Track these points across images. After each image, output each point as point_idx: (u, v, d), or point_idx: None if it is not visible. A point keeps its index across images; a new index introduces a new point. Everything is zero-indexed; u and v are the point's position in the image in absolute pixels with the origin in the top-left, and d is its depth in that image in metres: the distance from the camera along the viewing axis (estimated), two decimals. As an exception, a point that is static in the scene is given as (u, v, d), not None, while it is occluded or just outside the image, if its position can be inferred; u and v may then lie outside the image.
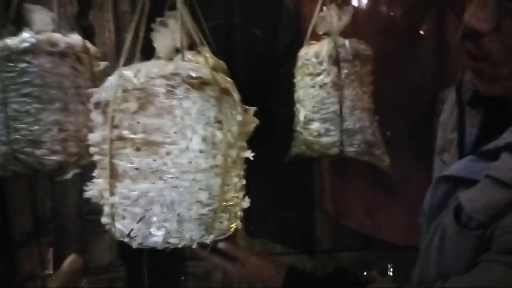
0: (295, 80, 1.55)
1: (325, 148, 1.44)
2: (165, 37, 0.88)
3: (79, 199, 1.76)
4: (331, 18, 1.47)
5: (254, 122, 0.95)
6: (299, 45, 1.63)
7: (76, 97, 1.09)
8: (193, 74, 0.83)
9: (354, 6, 1.82)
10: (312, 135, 1.44)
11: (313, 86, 1.44)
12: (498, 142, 0.55)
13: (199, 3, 1.56)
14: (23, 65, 1.03)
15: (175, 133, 0.81)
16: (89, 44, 1.19)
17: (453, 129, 0.71)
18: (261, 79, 1.76)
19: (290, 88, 1.60)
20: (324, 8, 1.53)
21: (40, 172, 1.04)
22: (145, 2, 0.93)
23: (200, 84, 0.84)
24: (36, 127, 1.02)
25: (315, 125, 1.44)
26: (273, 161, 1.69)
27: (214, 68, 1.39)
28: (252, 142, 1.67)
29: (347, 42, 1.42)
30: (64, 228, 1.79)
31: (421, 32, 1.97)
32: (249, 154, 0.91)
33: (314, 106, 1.43)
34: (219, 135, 0.84)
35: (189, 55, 1.42)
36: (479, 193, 0.55)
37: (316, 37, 1.59)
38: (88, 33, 1.65)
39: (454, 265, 0.57)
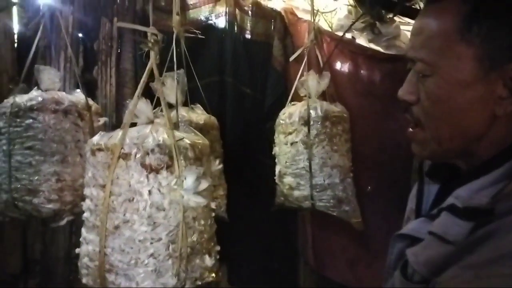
0: (274, 137, 1.68)
1: (298, 201, 1.55)
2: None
3: (68, 243, 1.80)
4: (310, 82, 1.62)
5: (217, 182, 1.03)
6: (283, 104, 1.78)
7: (75, 150, 1.19)
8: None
9: (336, 71, 2.00)
10: (285, 188, 1.57)
11: (286, 144, 1.59)
12: (442, 205, 0.61)
13: (194, 62, 1.72)
14: (29, 121, 1.15)
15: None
16: (91, 101, 1.31)
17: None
18: (249, 133, 1.89)
19: (272, 143, 1.73)
20: (305, 73, 1.68)
21: (36, 218, 1.12)
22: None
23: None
24: (36, 178, 1.12)
25: (287, 179, 1.58)
26: (259, 210, 1.78)
27: (206, 123, 1.52)
28: (239, 192, 1.78)
29: (319, 104, 1.57)
30: (51, 271, 1.82)
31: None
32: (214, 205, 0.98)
33: (286, 162, 1.58)
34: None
35: (183, 111, 1.55)
36: (422, 248, 0.61)
37: (299, 98, 1.74)
38: (91, 87, 1.79)
39: None
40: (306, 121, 1.55)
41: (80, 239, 0.95)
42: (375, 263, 2.04)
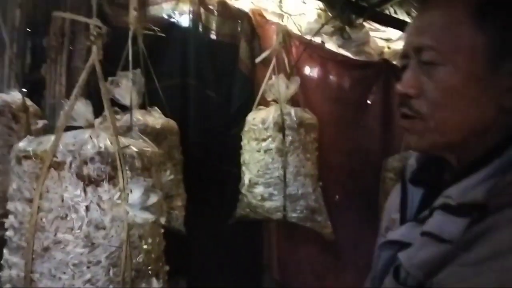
0: (242, 143, 1.57)
1: (268, 212, 1.44)
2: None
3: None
4: (279, 86, 1.53)
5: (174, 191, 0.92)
6: (250, 108, 1.68)
7: (7, 156, 1.04)
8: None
9: (305, 76, 1.93)
10: (256, 198, 1.45)
11: (258, 151, 1.47)
12: (433, 206, 0.60)
13: (154, 63, 1.59)
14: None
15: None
16: (29, 102, 1.16)
17: (397, 210, 0.75)
18: (212, 139, 1.77)
19: (238, 150, 1.63)
20: (273, 76, 1.60)
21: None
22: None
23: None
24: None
25: (259, 189, 1.45)
26: (221, 222, 1.66)
27: (163, 128, 1.40)
28: (200, 202, 1.66)
29: (293, 110, 1.48)
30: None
31: (368, 101, 2.09)
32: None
33: (258, 170, 1.46)
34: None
35: (138, 114, 1.42)
36: (415, 250, 0.59)
37: (266, 103, 1.65)
38: (38, 86, 1.63)
39: None
40: (281, 127, 1.45)
41: (1, 262, 0.80)
42: (343, 274, 1.98)
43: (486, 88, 0.58)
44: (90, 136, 0.80)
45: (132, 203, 0.78)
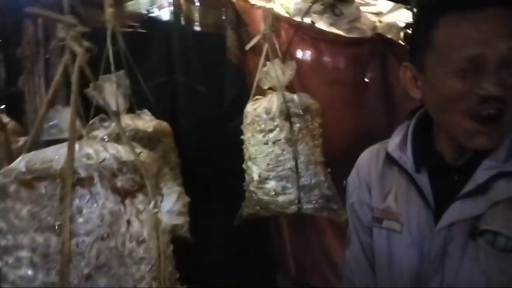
0: (244, 137, 1.47)
1: (282, 207, 1.35)
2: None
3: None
4: (275, 72, 1.43)
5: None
6: (244, 99, 1.58)
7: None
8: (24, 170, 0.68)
9: (298, 59, 1.83)
10: (268, 194, 1.36)
11: (266, 143, 1.37)
12: (477, 180, 0.70)
13: (137, 62, 1.48)
14: None
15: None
16: (6, 118, 1.06)
17: (383, 199, 0.83)
18: (208, 136, 1.67)
19: (238, 144, 1.53)
20: (268, 62, 1.50)
21: None
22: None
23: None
24: None
25: (271, 184, 1.35)
26: (223, 221, 1.57)
27: (156, 131, 1.30)
28: (202, 201, 1.56)
29: (295, 96, 1.39)
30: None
31: (366, 80, 2.00)
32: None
33: (268, 164, 1.36)
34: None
35: (127, 119, 1.32)
36: (502, 218, 0.68)
37: (261, 92, 1.55)
38: (17, 101, 1.52)
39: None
40: (287, 116, 1.35)
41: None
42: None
43: None
44: (103, 147, 0.71)
45: (169, 209, 0.73)
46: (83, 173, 0.67)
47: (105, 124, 1.16)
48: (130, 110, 1.36)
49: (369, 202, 0.87)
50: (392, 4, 2.05)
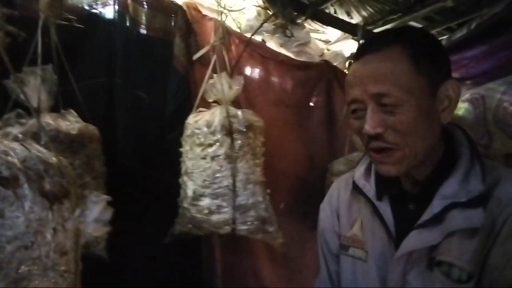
0: (182, 150, 1.39)
1: (215, 227, 1.27)
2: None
3: None
4: (221, 86, 1.38)
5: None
6: (188, 111, 1.50)
7: None
8: None
9: (246, 76, 1.80)
10: (201, 212, 1.27)
11: (204, 158, 1.29)
12: (432, 210, 0.73)
13: (70, 58, 1.35)
14: None
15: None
16: None
17: (350, 227, 0.86)
18: (144, 146, 1.56)
19: (176, 157, 1.44)
20: (215, 75, 1.44)
21: None
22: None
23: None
24: None
25: (205, 201, 1.27)
26: (156, 237, 1.46)
27: (80, 134, 1.17)
28: (133, 215, 1.44)
29: (239, 112, 1.34)
30: None
31: (311, 103, 2.02)
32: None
33: (205, 180, 1.28)
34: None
35: (48, 118, 1.18)
36: (455, 249, 0.71)
37: (205, 105, 1.49)
38: None
39: None
40: (228, 131, 1.29)
41: None
42: (290, 285, 1.87)
43: (432, 115, 0.74)
44: (23, 145, 0.60)
45: (95, 219, 0.64)
46: (5, 172, 0.57)
47: (22, 120, 1.02)
48: (55, 109, 1.23)
49: (338, 230, 0.89)
50: (340, 33, 2.11)
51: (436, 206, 0.73)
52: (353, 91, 0.75)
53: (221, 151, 1.28)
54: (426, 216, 0.73)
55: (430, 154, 0.76)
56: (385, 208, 0.80)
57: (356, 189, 0.86)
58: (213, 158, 1.28)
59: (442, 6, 1.67)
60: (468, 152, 0.76)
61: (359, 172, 0.87)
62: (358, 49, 0.79)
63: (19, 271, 0.57)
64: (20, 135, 0.94)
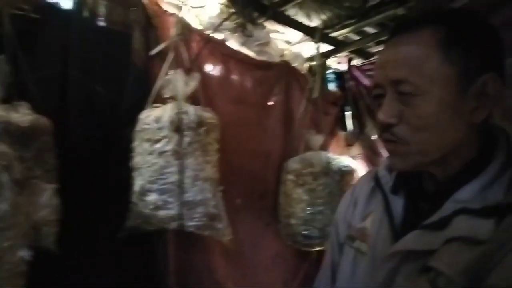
0: (133, 145, 1.40)
1: (162, 222, 1.28)
2: None
3: None
4: (176, 82, 1.40)
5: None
6: (145, 106, 1.51)
7: None
8: None
9: (206, 73, 1.83)
10: (148, 207, 1.28)
11: (151, 153, 1.30)
12: (442, 213, 0.67)
13: (25, 48, 1.33)
14: None
15: None
16: None
17: (363, 219, 0.82)
18: (99, 140, 1.55)
19: (130, 153, 1.44)
20: (171, 71, 1.46)
21: None
22: None
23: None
24: None
25: (152, 197, 1.28)
26: (107, 236, 1.46)
27: (32, 126, 1.16)
28: (88, 212, 1.43)
29: (191, 108, 1.36)
30: None
31: (270, 103, 2.07)
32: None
33: (151, 176, 1.29)
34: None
35: (-1, 110, 1.16)
36: (452, 257, 0.62)
37: (163, 100, 1.50)
38: None
39: None
40: (178, 127, 1.30)
41: None
42: (243, 280, 1.91)
43: (458, 110, 0.66)
44: None
45: (44, 204, 0.66)
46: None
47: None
48: (7, 101, 1.21)
49: (350, 219, 0.86)
50: (301, 35, 2.17)
51: (446, 209, 0.66)
52: (375, 75, 0.71)
53: (169, 147, 1.29)
54: (433, 218, 0.67)
55: (455, 154, 0.69)
56: (397, 203, 0.76)
57: (377, 181, 0.82)
58: (160, 153, 1.29)
59: (394, 14, 1.76)
60: (502, 159, 0.68)
61: (385, 162, 0.83)
62: (391, 29, 0.73)
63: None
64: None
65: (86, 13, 1.57)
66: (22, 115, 1.12)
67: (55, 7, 1.53)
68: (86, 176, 1.45)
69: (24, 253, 0.70)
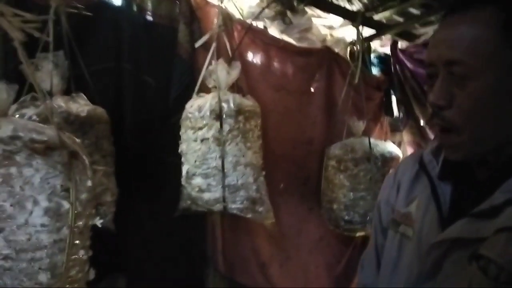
0: (180, 133, 1.48)
1: (208, 204, 1.37)
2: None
3: None
4: (219, 72, 1.45)
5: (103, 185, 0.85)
6: (191, 96, 1.59)
7: None
8: (37, 137, 0.71)
9: (248, 62, 1.87)
10: (194, 190, 1.38)
11: (195, 140, 1.39)
12: (493, 201, 0.64)
13: (82, 45, 1.45)
14: None
15: (11, 206, 0.69)
16: None
17: (408, 203, 0.80)
18: (150, 128, 1.66)
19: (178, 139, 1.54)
20: (213, 61, 1.52)
21: None
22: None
23: (45, 149, 0.72)
24: None
25: (197, 180, 1.38)
26: (162, 215, 1.57)
27: (89, 116, 1.28)
28: (142, 194, 1.55)
29: (231, 97, 1.41)
30: None
31: (311, 89, 2.08)
32: (98, 222, 0.80)
33: (196, 161, 1.38)
34: (65, 205, 0.72)
35: (60, 100, 1.28)
36: (502, 246, 0.61)
37: (208, 90, 1.57)
38: None
39: None
40: (218, 115, 1.37)
41: None
42: (287, 262, 1.97)
43: None
44: None
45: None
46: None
47: (37, 103, 1.12)
48: (67, 92, 1.33)
49: (393, 203, 0.84)
50: (343, 20, 2.14)
51: (497, 198, 0.64)
52: (429, 54, 0.68)
53: (210, 134, 1.37)
54: (483, 206, 0.65)
55: (510, 142, 0.66)
56: (444, 189, 0.74)
57: (422, 166, 0.80)
58: (202, 140, 1.38)
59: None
60: None
61: (430, 146, 0.81)
62: (448, 6, 0.70)
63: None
64: (34, 116, 1.05)
65: (134, 9, 1.67)
66: (80, 105, 1.24)
67: (106, 4, 1.64)
68: (139, 161, 1.56)
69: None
